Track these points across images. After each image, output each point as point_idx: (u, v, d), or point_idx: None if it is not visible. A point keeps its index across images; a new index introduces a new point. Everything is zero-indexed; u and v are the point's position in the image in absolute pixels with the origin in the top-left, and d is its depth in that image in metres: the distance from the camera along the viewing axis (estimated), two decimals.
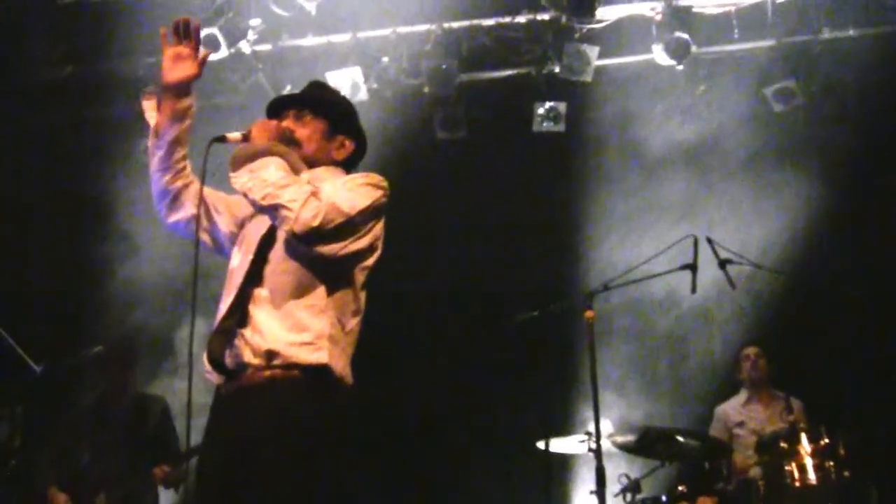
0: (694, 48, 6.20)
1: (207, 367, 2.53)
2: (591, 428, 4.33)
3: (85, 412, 5.14)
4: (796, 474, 4.34)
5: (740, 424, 5.53)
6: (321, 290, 2.53)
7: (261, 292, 2.53)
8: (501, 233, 6.73)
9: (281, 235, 2.56)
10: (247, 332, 2.49)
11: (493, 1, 6.37)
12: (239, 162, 2.56)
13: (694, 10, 6.20)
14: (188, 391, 2.44)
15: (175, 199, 2.76)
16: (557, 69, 6.41)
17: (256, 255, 2.59)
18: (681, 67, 6.35)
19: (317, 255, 2.49)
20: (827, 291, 5.80)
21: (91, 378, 5.26)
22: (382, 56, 6.49)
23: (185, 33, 2.73)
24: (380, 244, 2.68)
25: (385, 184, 2.65)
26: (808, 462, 4.33)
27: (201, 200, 2.71)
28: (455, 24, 6.38)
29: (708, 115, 6.56)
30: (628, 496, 4.54)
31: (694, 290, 4.33)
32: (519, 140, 6.70)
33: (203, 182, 2.73)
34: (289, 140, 2.72)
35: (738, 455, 5.34)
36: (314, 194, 2.48)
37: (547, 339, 5.35)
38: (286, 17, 6.23)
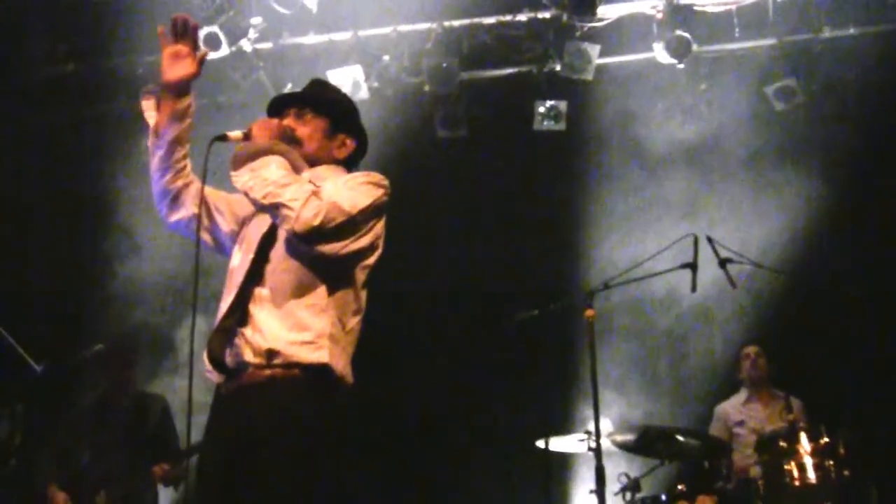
0: (695, 47, 6.20)
1: (208, 365, 2.53)
2: (591, 427, 4.33)
3: (85, 411, 5.15)
4: (796, 473, 4.33)
5: (740, 423, 5.53)
6: (322, 290, 2.53)
7: (261, 291, 2.53)
8: (501, 231, 6.73)
9: (282, 234, 2.56)
10: (247, 331, 2.48)
11: None
12: (240, 161, 2.56)
13: (695, 8, 6.20)
14: (189, 389, 2.44)
15: (176, 199, 2.76)
16: (558, 67, 6.41)
17: (257, 254, 2.59)
18: (682, 66, 6.35)
19: (318, 254, 2.49)
20: (827, 291, 5.79)
21: (91, 377, 5.27)
22: (383, 54, 6.50)
23: (183, 32, 2.70)
24: (381, 243, 2.67)
25: (386, 182, 2.65)
26: (808, 461, 4.33)
27: (202, 200, 2.70)
28: (456, 23, 6.38)
29: (709, 113, 6.57)
30: (628, 495, 4.54)
31: (694, 289, 4.32)
32: (520, 138, 6.69)
33: (204, 181, 2.72)
34: (290, 138, 2.72)
35: (738, 454, 5.35)
36: (315, 193, 2.48)
37: (547, 338, 5.35)
38: (287, 15, 6.23)
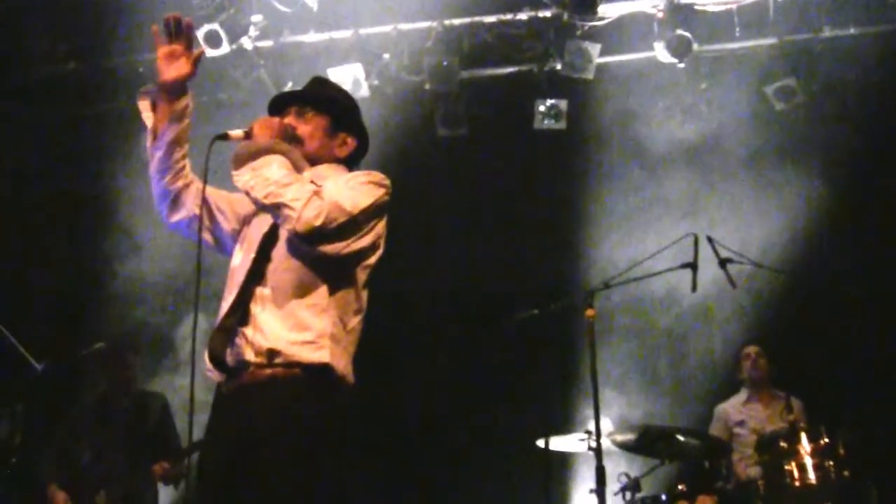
0: (695, 46, 6.20)
1: (209, 365, 2.53)
2: (591, 426, 4.33)
3: (86, 411, 5.15)
4: (796, 474, 4.33)
5: (740, 423, 5.53)
6: (323, 289, 2.52)
7: (263, 291, 2.52)
8: (501, 231, 6.72)
9: (283, 234, 2.56)
10: (248, 330, 2.48)
11: None
12: (241, 160, 2.55)
13: (695, 7, 6.19)
14: (191, 388, 2.44)
15: (176, 200, 2.75)
16: (559, 66, 6.41)
17: (258, 254, 2.58)
18: (682, 65, 6.35)
19: (319, 253, 2.48)
20: (827, 291, 5.79)
21: (92, 376, 5.27)
22: (384, 53, 6.49)
23: (177, 31, 2.68)
24: (382, 242, 2.67)
25: (387, 182, 2.65)
26: (808, 461, 4.33)
27: (203, 200, 2.70)
28: (456, 21, 6.38)
29: (709, 113, 6.57)
30: (628, 495, 4.54)
31: (694, 288, 4.32)
32: (520, 137, 6.69)
33: (205, 180, 2.71)
34: (291, 137, 2.71)
35: (738, 454, 5.35)
36: (317, 193, 2.48)
37: (547, 338, 5.35)
38: (288, 13, 6.23)
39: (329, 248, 2.48)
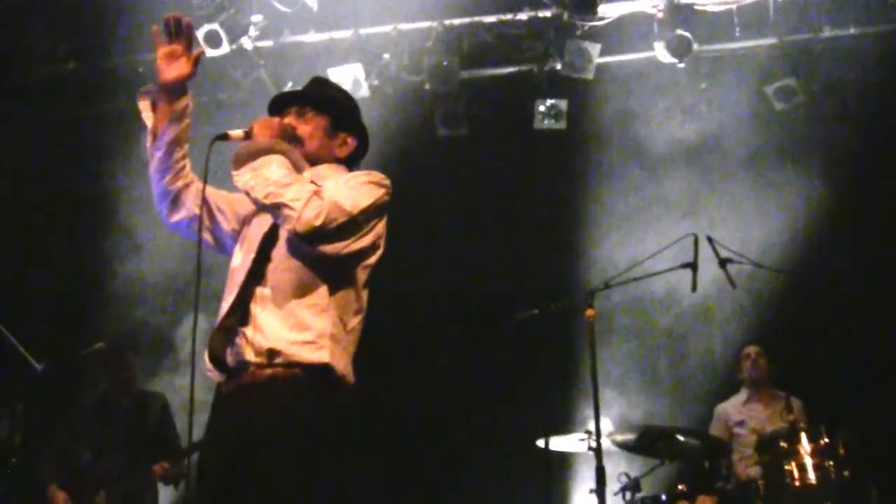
0: (695, 46, 6.20)
1: (209, 365, 2.53)
2: (592, 426, 4.33)
3: (86, 411, 5.15)
4: (796, 474, 4.34)
5: (740, 423, 5.53)
6: (323, 289, 2.52)
7: (263, 291, 2.52)
8: (501, 231, 6.72)
9: (283, 234, 2.56)
10: (248, 330, 2.48)
11: None
12: (241, 160, 2.55)
13: (695, 7, 6.19)
14: (191, 388, 2.44)
15: (176, 200, 2.75)
16: (559, 66, 6.41)
17: (258, 254, 2.58)
18: (682, 65, 6.35)
19: (319, 254, 2.48)
20: (827, 291, 5.79)
21: (92, 376, 5.27)
22: (384, 53, 6.49)
23: (177, 31, 2.67)
24: (382, 242, 2.67)
25: (387, 182, 2.64)
26: (808, 462, 4.33)
27: (203, 200, 2.69)
28: (456, 21, 6.38)
29: (709, 113, 6.57)
30: (628, 495, 4.54)
31: (694, 288, 4.31)
32: (520, 137, 6.69)
33: (205, 181, 2.71)
34: (291, 137, 2.71)
35: (738, 455, 5.35)
36: (317, 193, 2.48)
37: (547, 338, 5.35)
38: (288, 13, 6.23)
39: (329, 249, 2.48)
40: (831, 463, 4.31)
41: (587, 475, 5.37)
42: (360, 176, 2.63)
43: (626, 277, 4.50)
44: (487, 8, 6.38)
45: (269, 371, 2.45)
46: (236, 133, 2.68)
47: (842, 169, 6.33)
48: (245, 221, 2.78)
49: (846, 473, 4.29)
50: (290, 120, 2.77)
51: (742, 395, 5.68)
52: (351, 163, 2.86)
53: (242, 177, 2.53)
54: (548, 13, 6.30)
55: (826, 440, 4.35)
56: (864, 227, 6.24)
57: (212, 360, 2.50)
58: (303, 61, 6.51)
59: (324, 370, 2.47)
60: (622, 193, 6.72)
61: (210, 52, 6.05)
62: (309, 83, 3.00)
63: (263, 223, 2.65)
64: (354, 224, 2.50)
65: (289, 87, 6.32)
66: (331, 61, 6.42)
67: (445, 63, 6.35)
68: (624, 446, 4.69)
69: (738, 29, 6.26)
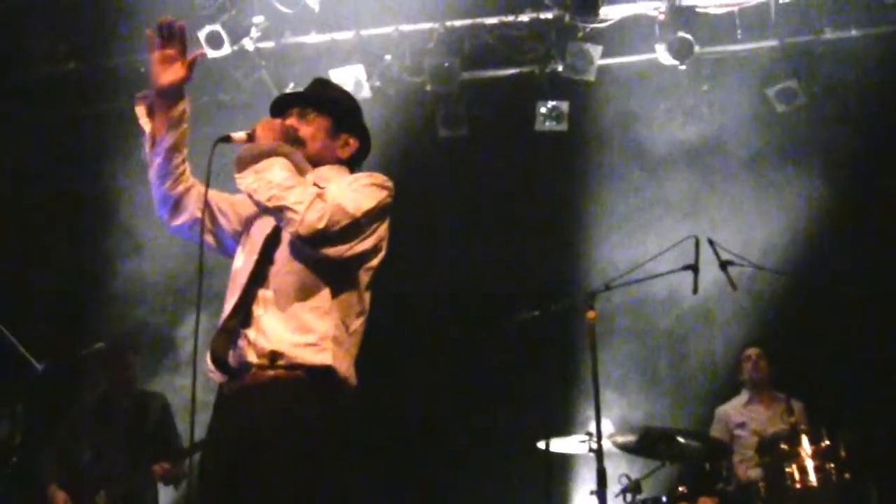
0: (697, 48, 6.20)
1: (211, 366, 2.53)
2: (592, 428, 4.32)
3: (86, 411, 5.15)
4: (797, 476, 4.33)
5: (741, 425, 5.52)
6: (326, 292, 2.52)
7: (265, 293, 2.52)
8: (502, 232, 6.72)
9: (286, 236, 2.55)
10: (250, 332, 2.48)
11: None
12: (244, 163, 2.54)
13: (697, 9, 6.20)
14: (192, 388, 2.44)
15: (177, 205, 2.74)
16: (560, 68, 6.41)
17: (261, 256, 2.58)
18: (683, 67, 6.35)
19: (322, 256, 2.48)
20: (828, 292, 5.79)
21: (92, 376, 5.26)
22: (385, 54, 6.49)
23: (170, 35, 2.65)
24: (384, 245, 2.66)
25: (390, 184, 2.64)
26: (809, 463, 4.33)
27: (205, 203, 2.69)
28: (458, 23, 6.38)
29: (710, 114, 6.57)
30: (629, 496, 4.53)
31: (695, 290, 4.31)
32: (521, 139, 6.69)
33: (208, 183, 2.70)
34: (293, 138, 2.70)
35: (739, 456, 5.34)
36: (319, 196, 2.47)
37: (548, 339, 5.35)
38: (289, 14, 6.23)
39: (332, 251, 2.47)
40: (832, 465, 4.31)
41: (588, 477, 5.36)
42: (363, 178, 2.63)
43: (626, 279, 4.49)
44: (489, 9, 6.39)
45: (271, 373, 2.45)
46: (239, 135, 2.68)
47: (843, 170, 6.33)
48: (247, 223, 2.77)
49: (847, 475, 4.29)
50: (291, 121, 2.76)
51: (743, 396, 5.68)
52: (353, 164, 2.85)
53: (245, 179, 2.53)
54: (549, 15, 6.30)
55: (827, 442, 4.35)
56: (865, 229, 6.25)
57: (214, 361, 2.50)
58: (304, 62, 6.51)
59: (326, 372, 2.46)
60: (623, 195, 6.72)
61: (211, 53, 6.04)
62: (310, 84, 2.99)
63: (266, 225, 2.65)
64: (357, 227, 2.50)
65: (290, 88, 6.32)
66: (332, 62, 6.42)
67: (447, 64, 6.35)
68: (625, 448, 4.68)
69: (739, 31, 6.26)
